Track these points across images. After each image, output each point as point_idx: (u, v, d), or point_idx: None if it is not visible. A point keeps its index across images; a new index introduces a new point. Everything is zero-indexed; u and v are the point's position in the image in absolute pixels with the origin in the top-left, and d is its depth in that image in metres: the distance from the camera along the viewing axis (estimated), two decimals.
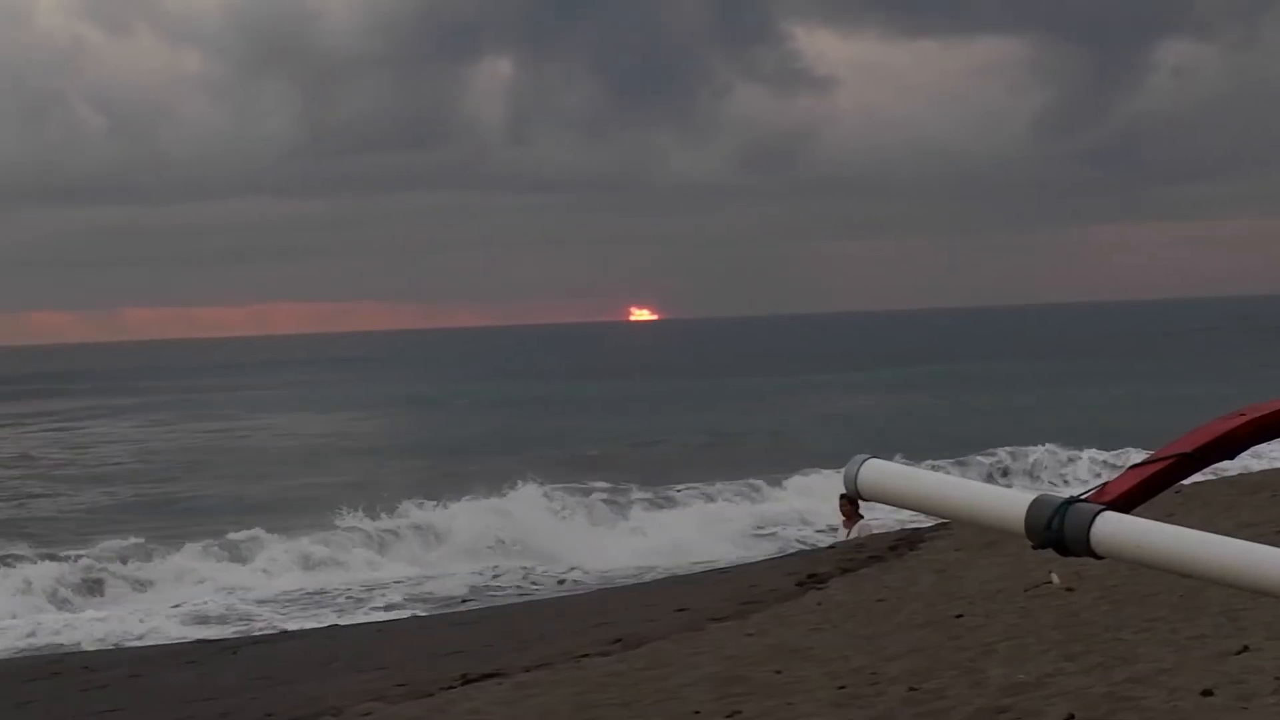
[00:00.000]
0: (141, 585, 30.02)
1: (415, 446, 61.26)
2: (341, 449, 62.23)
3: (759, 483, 41.08)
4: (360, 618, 24.84)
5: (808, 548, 28.27)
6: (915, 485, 2.99)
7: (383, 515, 34.88)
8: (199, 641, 21.68)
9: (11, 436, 74.30)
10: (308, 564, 31.35)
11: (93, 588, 29.61)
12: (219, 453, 62.90)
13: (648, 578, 27.06)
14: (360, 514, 34.66)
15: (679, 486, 41.10)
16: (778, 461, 45.66)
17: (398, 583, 29.13)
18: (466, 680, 14.16)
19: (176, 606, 27.42)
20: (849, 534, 23.43)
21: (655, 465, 48.87)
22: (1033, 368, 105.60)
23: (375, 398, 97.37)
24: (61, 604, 28.41)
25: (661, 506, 38.83)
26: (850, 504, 23.80)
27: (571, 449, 56.36)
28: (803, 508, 37.13)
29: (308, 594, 28.58)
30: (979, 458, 46.79)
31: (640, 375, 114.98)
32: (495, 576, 29.39)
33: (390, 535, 33.77)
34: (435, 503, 36.28)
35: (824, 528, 31.96)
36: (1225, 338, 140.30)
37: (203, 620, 25.81)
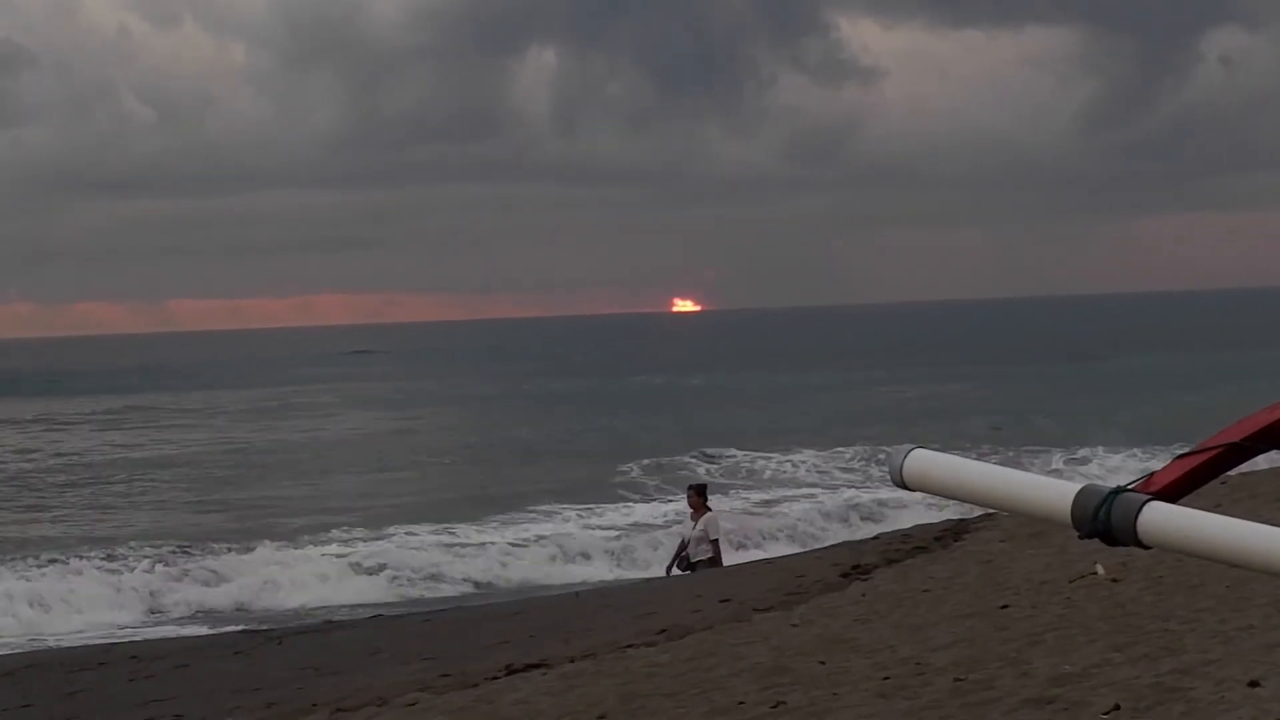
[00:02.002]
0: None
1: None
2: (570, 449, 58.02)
3: None
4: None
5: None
6: (961, 475, 2.99)
7: None
8: (245, 632, 21.78)
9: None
10: None
11: None
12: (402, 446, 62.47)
13: None
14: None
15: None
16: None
17: None
18: (511, 671, 14.18)
19: None
20: (694, 528, 23.01)
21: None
22: (1097, 361, 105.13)
23: (480, 393, 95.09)
24: None
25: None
26: (698, 496, 23.35)
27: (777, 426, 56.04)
28: None
29: None
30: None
31: (707, 367, 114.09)
32: None
33: None
34: None
35: None
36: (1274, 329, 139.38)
37: None
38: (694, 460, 47.74)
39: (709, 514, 23.01)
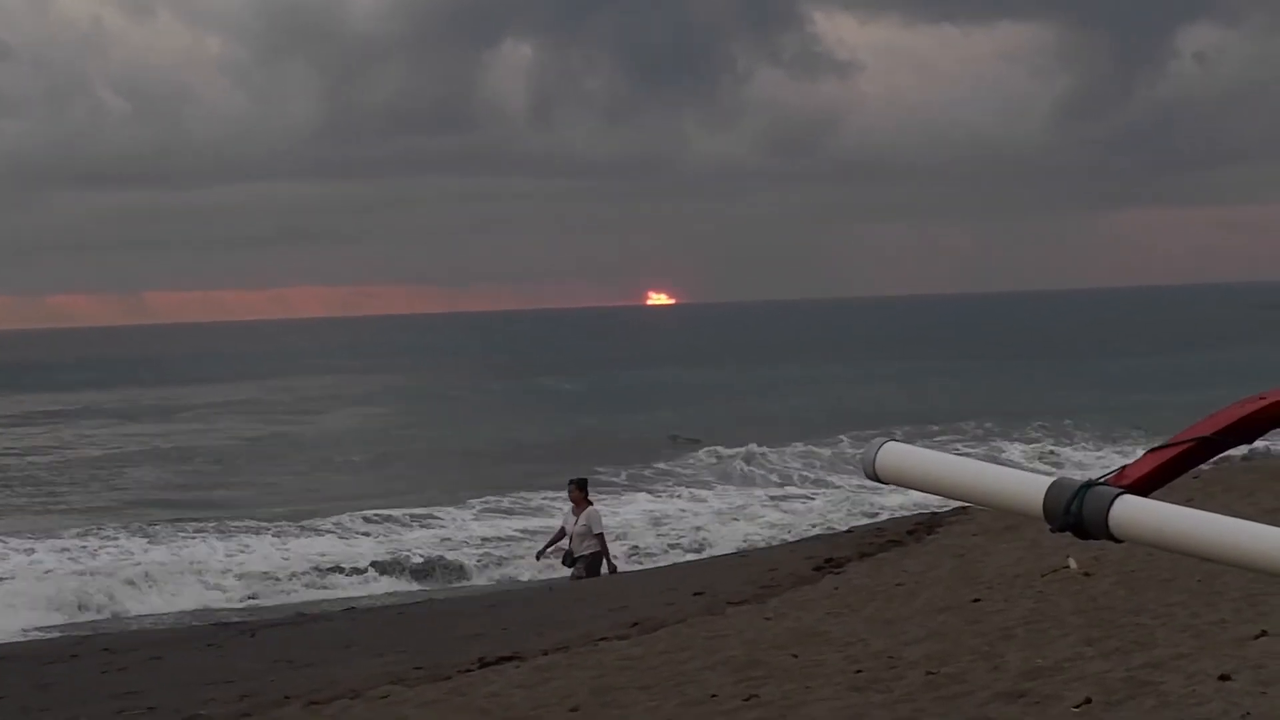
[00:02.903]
0: None
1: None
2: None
3: None
4: None
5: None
6: (934, 468, 2.99)
7: None
8: (217, 624, 21.74)
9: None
10: None
11: None
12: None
13: None
14: None
15: None
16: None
17: None
18: (484, 663, 14.19)
19: None
20: (576, 520, 22.77)
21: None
22: (1062, 355, 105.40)
23: (460, 389, 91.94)
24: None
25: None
26: (579, 490, 23.12)
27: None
28: None
29: None
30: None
31: (686, 362, 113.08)
32: None
33: None
34: None
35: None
36: (1251, 322, 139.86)
37: None
38: (679, 455, 47.54)
39: (590, 508, 22.71)
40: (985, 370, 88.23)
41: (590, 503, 22.95)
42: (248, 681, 15.21)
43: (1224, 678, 9.35)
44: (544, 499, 37.32)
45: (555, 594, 21.48)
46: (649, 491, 39.80)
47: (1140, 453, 2.99)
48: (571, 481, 23.60)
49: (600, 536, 22.62)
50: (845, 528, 27.25)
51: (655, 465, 45.18)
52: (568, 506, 23.25)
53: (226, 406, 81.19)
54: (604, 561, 22.67)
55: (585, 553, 22.50)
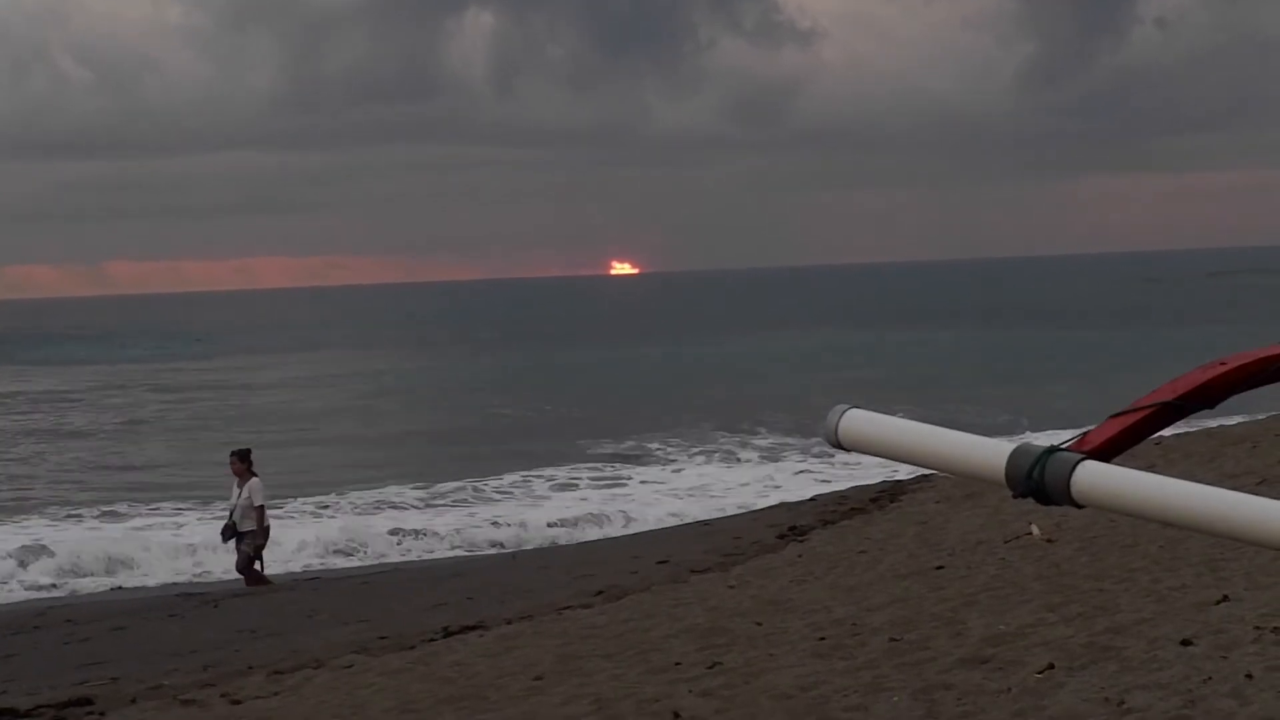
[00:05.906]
0: None
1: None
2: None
3: None
4: None
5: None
6: (897, 435, 2.98)
7: None
8: (180, 595, 21.65)
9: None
10: None
11: None
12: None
13: None
14: None
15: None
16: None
17: None
18: (448, 633, 14.20)
19: None
20: (239, 494, 22.16)
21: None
22: (1023, 325, 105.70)
23: (426, 365, 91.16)
24: None
25: None
26: (241, 461, 22.28)
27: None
28: None
29: None
30: None
31: (653, 335, 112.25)
32: None
33: None
34: None
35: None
36: (1211, 288, 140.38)
37: None
38: (651, 440, 47.24)
39: (253, 480, 22.02)
40: (950, 338, 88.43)
41: (254, 474, 22.19)
42: (211, 651, 15.18)
43: (1185, 643, 9.40)
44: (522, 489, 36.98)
45: (519, 563, 21.49)
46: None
47: (1103, 419, 2.99)
48: (233, 453, 22.50)
49: (261, 509, 21.98)
50: (809, 495, 27.27)
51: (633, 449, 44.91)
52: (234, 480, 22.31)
53: (193, 382, 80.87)
54: (266, 534, 22.09)
55: (248, 527, 21.84)
